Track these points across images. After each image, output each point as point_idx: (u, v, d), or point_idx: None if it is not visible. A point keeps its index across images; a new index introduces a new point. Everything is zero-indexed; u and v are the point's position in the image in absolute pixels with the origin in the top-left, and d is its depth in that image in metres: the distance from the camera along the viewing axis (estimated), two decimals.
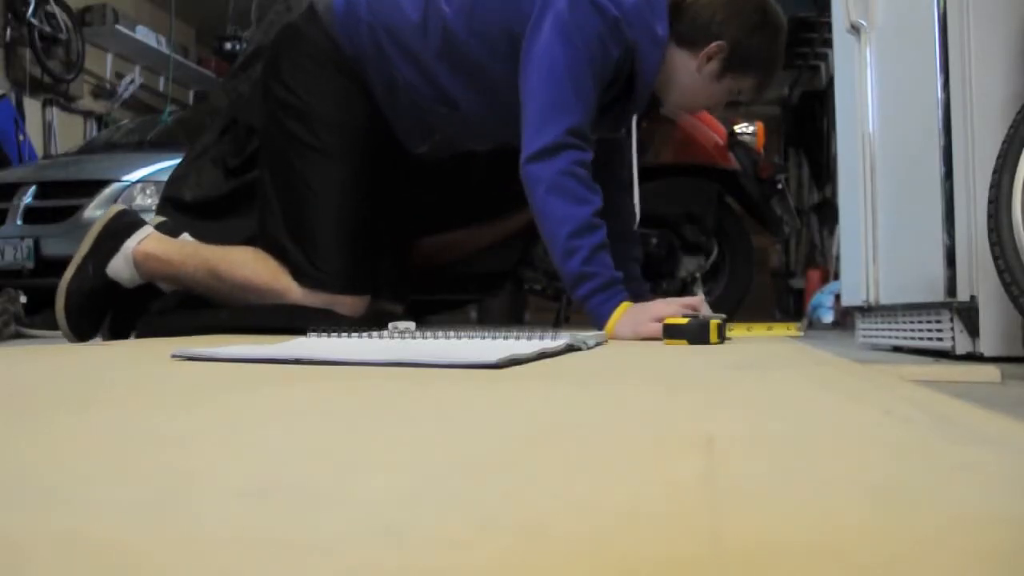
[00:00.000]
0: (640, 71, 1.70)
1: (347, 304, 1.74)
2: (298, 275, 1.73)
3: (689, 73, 1.71)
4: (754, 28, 1.68)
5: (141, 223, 1.83)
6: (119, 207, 1.87)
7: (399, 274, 2.04)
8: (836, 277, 3.88)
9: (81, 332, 1.76)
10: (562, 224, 1.55)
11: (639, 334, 1.47)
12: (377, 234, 1.86)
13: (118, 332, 1.82)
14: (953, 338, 1.44)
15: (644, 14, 1.66)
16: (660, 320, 1.41)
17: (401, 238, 2.08)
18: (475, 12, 1.71)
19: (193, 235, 1.85)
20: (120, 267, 1.78)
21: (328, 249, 1.73)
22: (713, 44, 1.67)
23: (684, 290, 2.58)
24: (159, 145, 3.83)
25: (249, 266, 1.75)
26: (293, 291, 1.73)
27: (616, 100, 1.76)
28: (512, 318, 3.43)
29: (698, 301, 1.56)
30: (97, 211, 3.10)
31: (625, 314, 1.51)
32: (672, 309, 1.48)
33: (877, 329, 1.83)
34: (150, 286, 1.84)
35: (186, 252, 1.79)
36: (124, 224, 1.81)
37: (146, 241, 1.80)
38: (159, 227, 1.85)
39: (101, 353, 1.22)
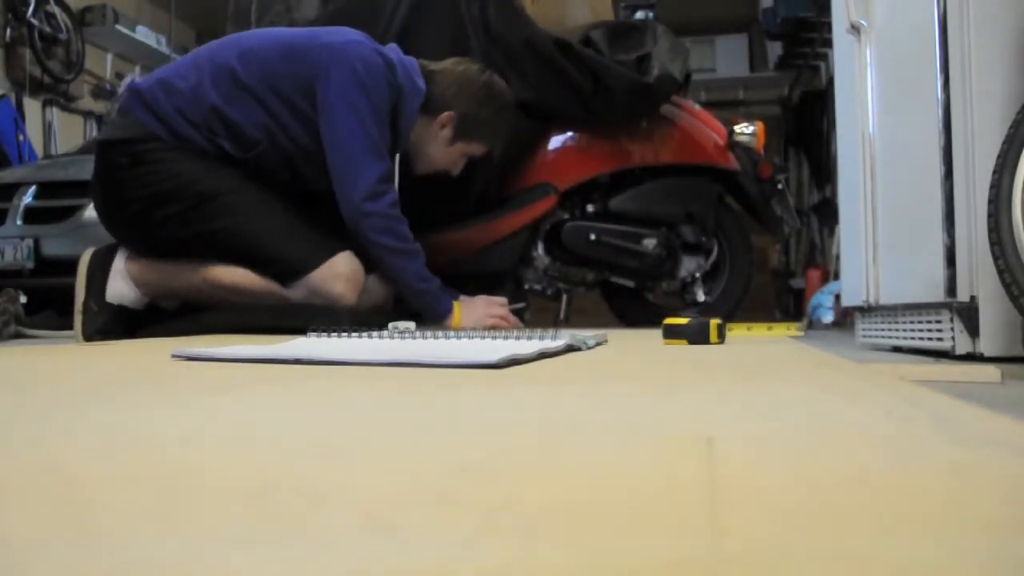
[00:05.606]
0: (403, 114, 1.87)
1: (341, 276, 1.79)
2: (281, 282, 1.80)
3: (428, 137, 1.94)
4: (480, 102, 1.94)
5: (116, 247, 1.89)
6: (90, 250, 1.91)
7: None
8: (836, 277, 3.88)
9: None
10: (401, 256, 1.84)
11: (486, 324, 1.86)
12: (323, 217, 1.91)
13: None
14: (953, 338, 1.44)
15: (407, 67, 1.87)
16: (490, 314, 1.90)
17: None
18: (268, 71, 1.79)
19: None
20: (121, 289, 1.84)
21: (281, 250, 1.79)
22: (445, 113, 1.92)
23: (684, 290, 2.58)
24: None
25: (240, 271, 1.81)
26: (287, 292, 1.81)
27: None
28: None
29: (502, 302, 1.96)
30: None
31: (464, 310, 1.88)
32: (492, 307, 1.92)
33: (877, 329, 1.83)
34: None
35: (179, 262, 1.83)
36: (102, 255, 1.87)
37: (132, 256, 1.85)
38: None
39: (101, 353, 1.22)
